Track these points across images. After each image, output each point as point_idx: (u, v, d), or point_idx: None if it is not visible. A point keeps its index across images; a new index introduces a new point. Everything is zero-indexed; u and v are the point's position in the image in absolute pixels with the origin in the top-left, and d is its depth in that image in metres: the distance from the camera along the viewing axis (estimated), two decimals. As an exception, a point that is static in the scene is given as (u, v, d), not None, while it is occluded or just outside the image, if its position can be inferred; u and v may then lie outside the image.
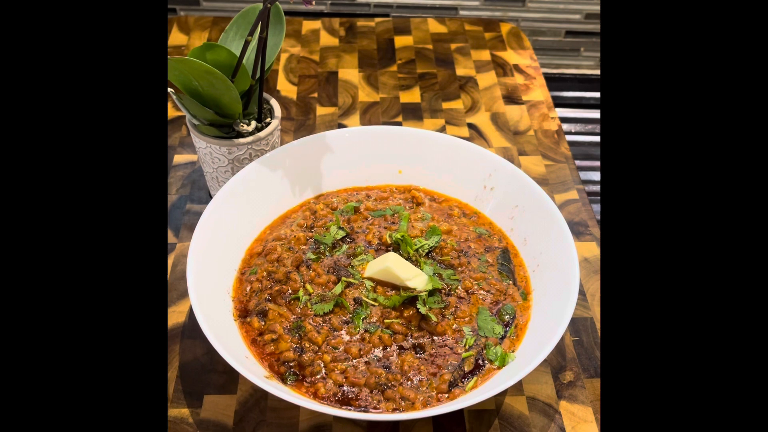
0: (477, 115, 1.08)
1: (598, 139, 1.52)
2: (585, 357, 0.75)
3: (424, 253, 0.76)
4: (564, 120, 1.54)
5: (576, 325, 0.78)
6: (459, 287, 0.73)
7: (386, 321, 0.69)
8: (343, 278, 0.72)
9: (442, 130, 1.05)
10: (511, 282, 0.75)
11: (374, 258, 0.74)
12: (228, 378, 0.71)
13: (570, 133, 1.53)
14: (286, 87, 1.12)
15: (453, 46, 1.23)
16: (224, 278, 0.74)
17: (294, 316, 0.70)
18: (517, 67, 1.19)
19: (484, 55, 1.22)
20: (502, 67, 1.19)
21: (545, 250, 0.75)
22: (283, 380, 0.66)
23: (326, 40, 1.24)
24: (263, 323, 0.70)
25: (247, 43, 0.75)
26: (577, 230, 0.89)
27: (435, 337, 0.69)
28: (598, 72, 1.76)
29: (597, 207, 1.32)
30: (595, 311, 0.80)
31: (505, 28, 1.28)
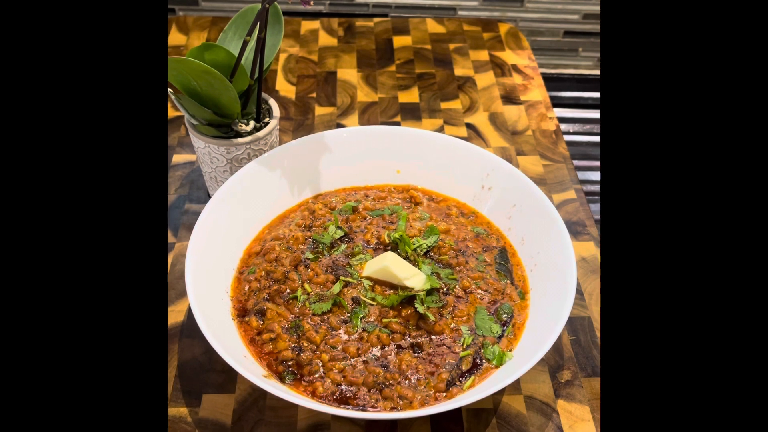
0: (475, 115, 1.08)
1: (596, 139, 1.52)
2: (582, 356, 0.75)
3: (422, 253, 0.76)
4: (562, 120, 1.54)
5: (574, 324, 0.78)
6: (457, 286, 0.73)
7: (384, 320, 0.69)
8: (342, 278, 0.72)
9: (441, 130, 1.05)
10: (508, 281, 0.75)
11: (372, 257, 0.75)
12: (226, 377, 0.71)
13: (568, 133, 1.53)
14: (284, 87, 1.12)
15: (451, 46, 1.24)
16: (223, 278, 0.74)
17: (292, 316, 0.70)
18: (515, 67, 1.19)
19: (483, 55, 1.22)
20: (500, 67, 1.19)
21: (543, 250, 0.75)
22: (282, 379, 0.66)
23: (325, 40, 1.24)
24: (261, 322, 0.70)
25: (245, 43, 0.75)
26: (575, 230, 0.89)
27: (433, 337, 0.69)
28: (596, 72, 1.77)
29: (595, 207, 1.33)
30: (593, 311, 0.80)
31: (503, 29, 1.28)
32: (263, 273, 0.74)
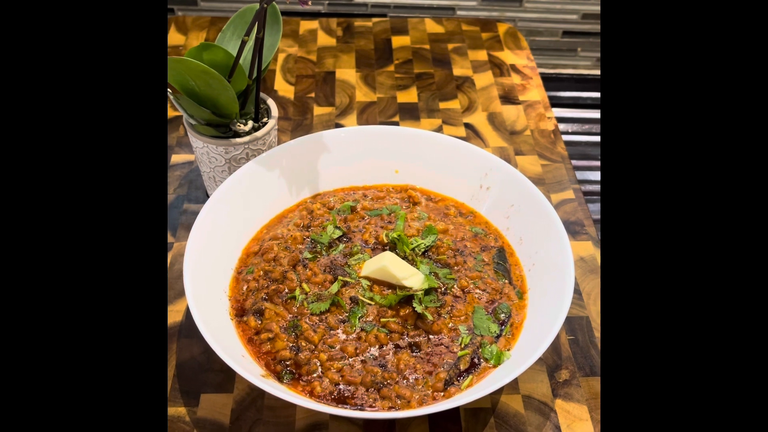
0: (474, 115, 1.08)
1: (594, 138, 1.52)
2: (580, 356, 0.75)
3: (420, 253, 0.76)
4: (561, 120, 1.54)
5: (572, 324, 0.78)
6: (455, 286, 0.73)
7: (382, 320, 0.69)
8: (340, 277, 0.72)
9: (439, 129, 1.05)
10: (506, 281, 0.75)
11: (371, 257, 0.75)
12: (225, 377, 0.71)
13: (566, 132, 1.53)
14: (283, 87, 1.13)
15: (450, 46, 1.24)
16: (221, 277, 0.74)
17: (290, 315, 0.70)
18: (513, 67, 1.19)
19: (481, 55, 1.22)
20: (498, 67, 1.19)
21: (541, 250, 0.75)
22: (280, 379, 0.66)
23: (323, 40, 1.24)
24: (260, 322, 0.70)
25: (243, 43, 0.75)
26: (573, 230, 0.89)
27: (431, 336, 0.69)
28: (594, 72, 1.77)
29: (593, 207, 1.33)
30: (591, 310, 0.80)
31: (502, 28, 1.28)
32: (261, 273, 0.74)
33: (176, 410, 0.68)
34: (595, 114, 1.59)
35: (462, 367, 0.67)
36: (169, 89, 0.76)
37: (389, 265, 0.71)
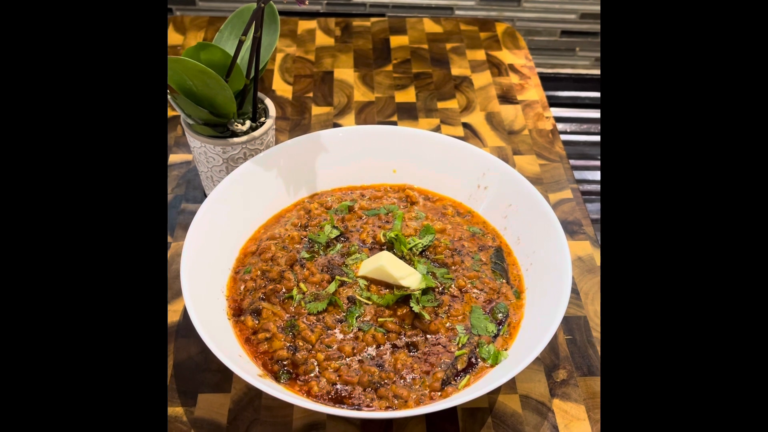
0: (472, 115, 1.08)
1: (592, 138, 1.52)
2: (578, 355, 0.75)
3: (417, 252, 0.76)
4: (559, 119, 1.54)
5: (569, 323, 0.78)
6: (452, 286, 0.73)
7: (380, 319, 0.69)
8: (337, 277, 0.72)
9: (437, 129, 1.05)
10: (504, 281, 0.75)
11: (368, 257, 0.75)
12: (222, 377, 0.71)
13: (565, 132, 1.53)
14: (281, 87, 1.12)
15: (448, 45, 1.24)
16: (218, 277, 0.74)
17: (288, 315, 0.70)
18: (512, 67, 1.19)
19: (480, 54, 1.22)
20: (497, 67, 1.19)
21: (538, 249, 0.75)
22: (277, 379, 0.66)
23: (322, 39, 1.24)
24: (257, 322, 0.70)
25: (241, 43, 0.75)
26: (572, 229, 0.89)
27: (428, 336, 0.69)
28: (593, 72, 1.77)
29: (591, 206, 1.33)
30: (589, 310, 0.80)
31: (500, 28, 1.28)
32: (259, 272, 0.74)
33: (174, 410, 0.68)
34: (594, 114, 1.59)
35: (459, 367, 0.67)
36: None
37: (387, 264, 0.70)
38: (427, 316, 0.69)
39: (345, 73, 1.16)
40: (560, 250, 0.72)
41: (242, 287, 0.74)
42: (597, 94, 1.64)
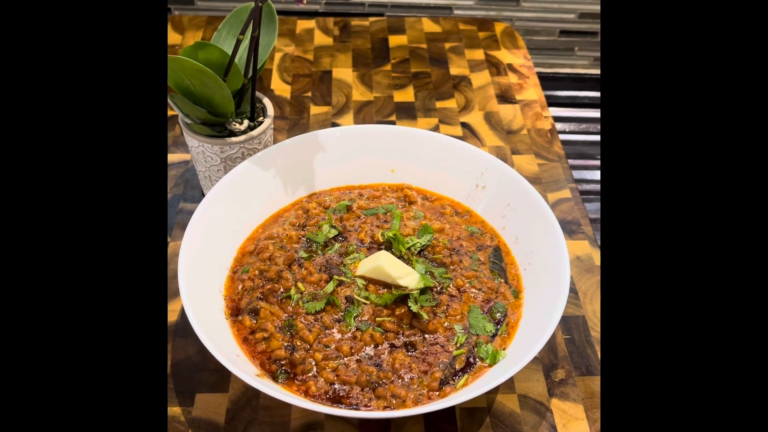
0: (470, 115, 1.08)
1: (591, 138, 1.52)
2: (576, 355, 0.75)
3: (416, 252, 0.76)
4: (558, 119, 1.55)
5: (568, 323, 0.78)
6: (450, 285, 0.73)
7: (378, 319, 0.69)
8: (335, 277, 0.72)
9: (436, 129, 1.05)
10: (502, 280, 0.75)
11: (366, 256, 0.75)
12: (220, 376, 0.71)
13: (563, 132, 1.53)
14: (280, 86, 1.12)
15: (447, 45, 1.24)
16: (216, 277, 0.74)
17: (285, 315, 0.70)
18: (510, 67, 1.19)
19: (478, 54, 1.22)
20: (495, 67, 1.19)
21: (537, 249, 0.75)
22: (275, 378, 0.66)
23: (320, 39, 1.24)
24: (255, 322, 0.70)
25: (239, 42, 0.75)
26: (570, 229, 0.89)
27: (426, 335, 0.69)
28: (592, 71, 1.77)
29: (590, 206, 1.33)
30: (587, 309, 0.80)
31: (499, 28, 1.28)
32: (257, 272, 0.74)
33: (171, 410, 0.68)
34: (592, 113, 1.59)
35: (457, 367, 0.66)
36: (164, 88, 0.76)
37: (385, 264, 0.70)
38: (425, 316, 0.69)
39: (343, 72, 1.16)
40: (558, 250, 0.71)
41: (240, 287, 0.74)
42: (596, 94, 1.64)
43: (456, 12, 1.68)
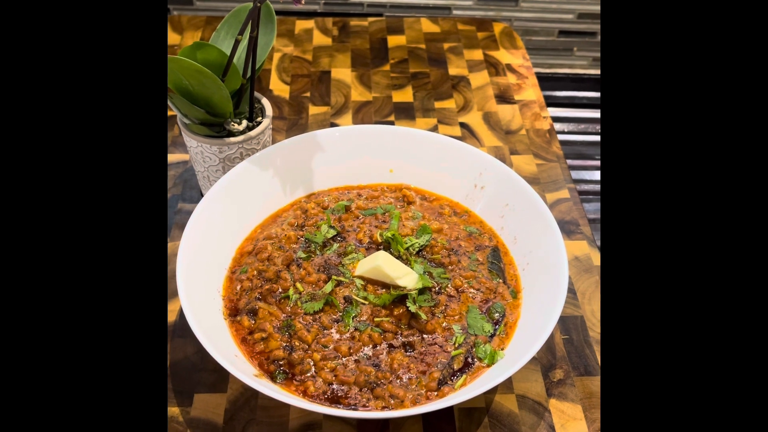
0: (469, 115, 1.08)
1: (590, 138, 1.52)
2: (575, 355, 0.75)
3: (414, 252, 0.76)
4: (556, 119, 1.55)
5: (566, 323, 0.78)
6: (449, 285, 0.73)
7: (376, 319, 0.69)
8: (334, 277, 0.72)
9: (435, 129, 1.05)
10: (501, 280, 0.75)
11: (365, 257, 0.75)
12: (218, 377, 0.71)
13: (562, 132, 1.53)
14: (278, 86, 1.12)
15: (446, 45, 1.24)
16: (214, 277, 0.74)
17: (284, 315, 0.70)
18: (509, 67, 1.19)
19: (477, 54, 1.22)
20: (494, 67, 1.19)
21: (535, 249, 0.75)
22: (273, 379, 0.66)
23: (319, 39, 1.24)
24: (253, 322, 0.70)
25: (237, 42, 0.75)
26: (569, 229, 0.89)
27: (425, 336, 0.69)
28: (590, 71, 1.77)
29: (588, 206, 1.33)
30: (586, 310, 0.80)
31: (497, 28, 1.28)
32: (255, 272, 0.74)
33: (170, 410, 0.68)
34: (591, 113, 1.59)
35: (456, 367, 0.66)
36: (162, 88, 0.76)
37: (383, 264, 0.70)
38: (423, 316, 0.69)
39: (342, 72, 1.16)
40: (557, 250, 0.71)
41: (238, 287, 0.74)
42: (594, 94, 1.64)
43: (455, 12, 1.68)
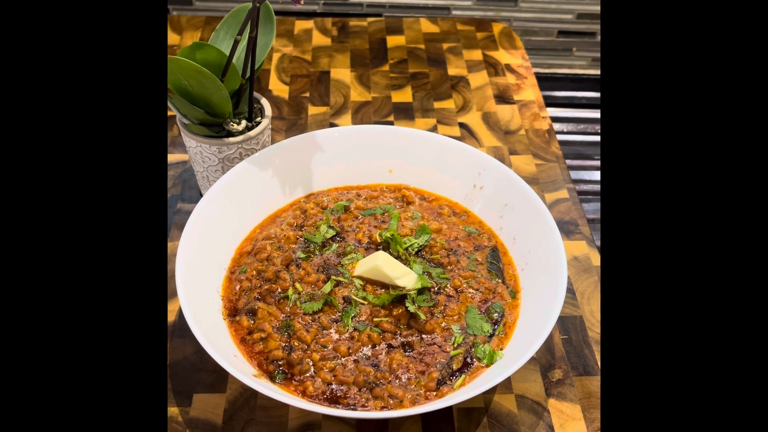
0: (468, 115, 1.08)
1: (589, 138, 1.52)
2: (574, 355, 0.75)
3: (413, 252, 0.76)
4: (555, 119, 1.55)
5: (565, 323, 0.78)
6: (448, 286, 0.73)
7: (375, 319, 0.69)
8: (333, 277, 0.72)
9: (434, 129, 1.05)
10: (500, 280, 0.75)
11: (364, 257, 0.75)
12: (217, 377, 0.71)
13: (561, 132, 1.53)
14: (278, 86, 1.12)
15: (445, 45, 1.24)
16: (214, 277, 0.74)
17: (283, 315, 0.70)
18: (508, 67, 1.19)
19: (476, 54, 1.22)
20: (493, 67, 1.19)
21: (534, 249, 0.75)
22: (272, 379, 0.66)
23: (318, 39, 1.24)
24: (252, 322, 0.70)
25: (236, 43, 0.75)
26: (568, 229, 0.89)
27: (424, 336, 0.69)
28: (590, 72, 1.77)
29: (587, 206, 1.33)
30: (585, 310, 0.80)
31: (497, 28, 1.29)
32: (254, 272, 0.74)
33: (169, 410, 0.68)
34: (590, 114, 1.59)
35: (455, 367, 0.67)
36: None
37: (382, 264, 0.70)
38: (422, 316, 0.69)
39: (341, 73, 1.16)
40: (556, 250, 0.72)
41: (238, 287, 0.74)
42: (593, 94, 1.64)
43: (454, 12, 1.68)
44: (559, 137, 1.47)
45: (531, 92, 1.14)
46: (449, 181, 0.85)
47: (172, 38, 1.22)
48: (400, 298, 0.70)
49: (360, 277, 0.72)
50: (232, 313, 0.72)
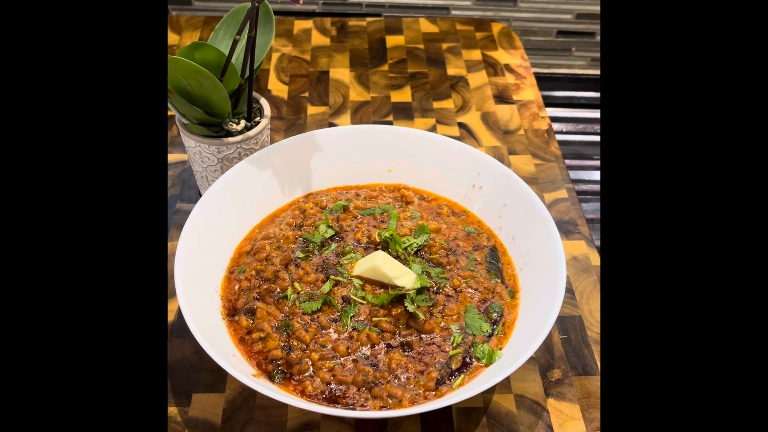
0: (467, 115, 1.08)
1: (588, 138, 1.52)
2: (573, 355, 0.75)
3: (412, 252, 0.76)
4: (554, 119, 1.55)
5: (564, 323, 0.78)
6: (447, 285, 0.73)
7: (374, 319, 0.69)
8: (332, 277, 0.72)
9: (433, 129, 1.05)
10: (499, 280, 0.75)
11: (363, 256, 0.75)
12: (216, 376, 0.71)
13: (560, 132, 1.53)
14: (277, 86, 1.12)
15: (444, 45, 1.24)
16: (213, 277, 0.74)
17: (282, 315, 0.70)
18: (507, 67, 1.19)
19: (475, 54, 1.22)
20: (492, 67, 1.19)
21: (533, 249, 0.75)
22: (271, 378, 0.66)
23: (318, 39, 1.24)
24: (251, 322, 0.70)
25: (235, 42, 0.75)
26: (567, 229, 0.89)
27: (423, 335, 0.69)
28: (589, 72, 1.77)
29: (586, 206, 1.33)
30: (584, 309, 0.80)
31: (496, 28, 1.29)
32: (253, 272, 0.74)
33: (168, 410, 0.68)
34: (589, 113, 1.59)
35: (454, 367, 0.67)
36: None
37: (381, 264, 0.70)
38: (421, 316, 0.69)
39: (341, 72, 1.16)
40: (555, 250, 0.72)
41: (237, 287, 0.74)
42: (593, 94, 1.64)
43: (453, 12, 1.68)
44: (558, 137, 1.47)
45: (530, 92, 1.14)
46: (448, 181, 0.85)
47: (172, 38, 1.22)
48: (399, 298, 0.70)
49: (359, 277, 0.72)
50: (231, 312, 0.72)
